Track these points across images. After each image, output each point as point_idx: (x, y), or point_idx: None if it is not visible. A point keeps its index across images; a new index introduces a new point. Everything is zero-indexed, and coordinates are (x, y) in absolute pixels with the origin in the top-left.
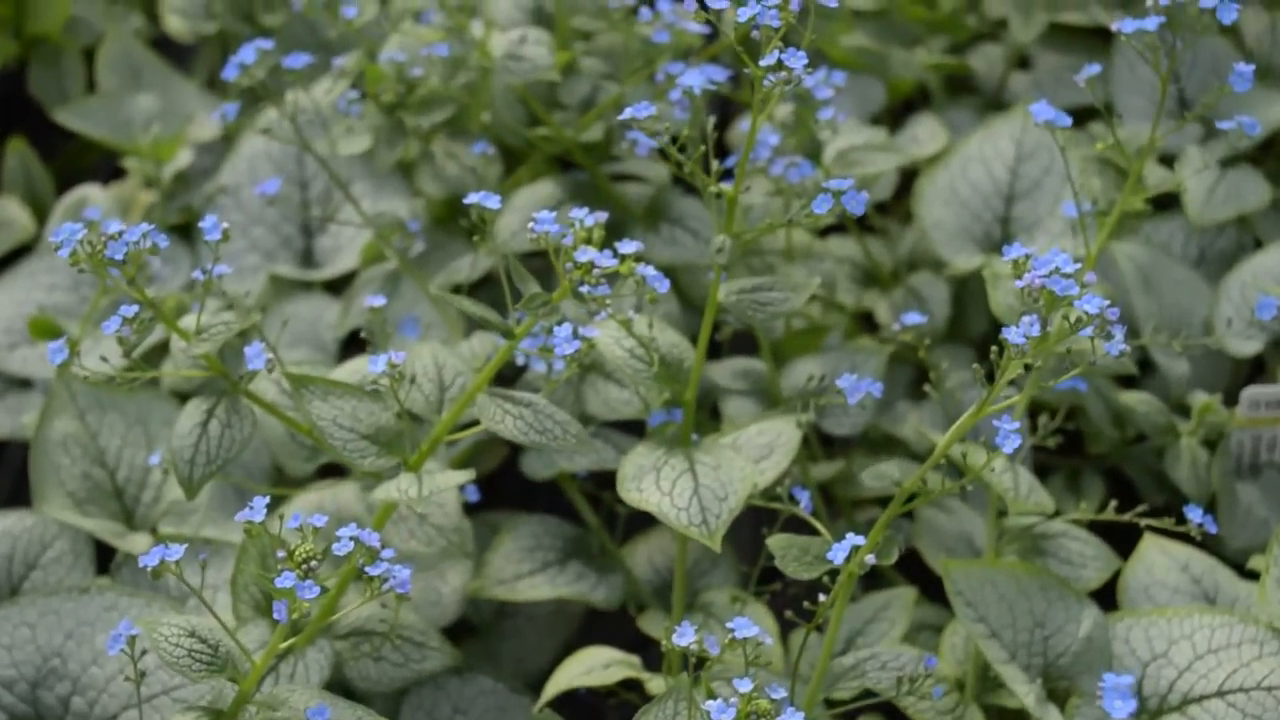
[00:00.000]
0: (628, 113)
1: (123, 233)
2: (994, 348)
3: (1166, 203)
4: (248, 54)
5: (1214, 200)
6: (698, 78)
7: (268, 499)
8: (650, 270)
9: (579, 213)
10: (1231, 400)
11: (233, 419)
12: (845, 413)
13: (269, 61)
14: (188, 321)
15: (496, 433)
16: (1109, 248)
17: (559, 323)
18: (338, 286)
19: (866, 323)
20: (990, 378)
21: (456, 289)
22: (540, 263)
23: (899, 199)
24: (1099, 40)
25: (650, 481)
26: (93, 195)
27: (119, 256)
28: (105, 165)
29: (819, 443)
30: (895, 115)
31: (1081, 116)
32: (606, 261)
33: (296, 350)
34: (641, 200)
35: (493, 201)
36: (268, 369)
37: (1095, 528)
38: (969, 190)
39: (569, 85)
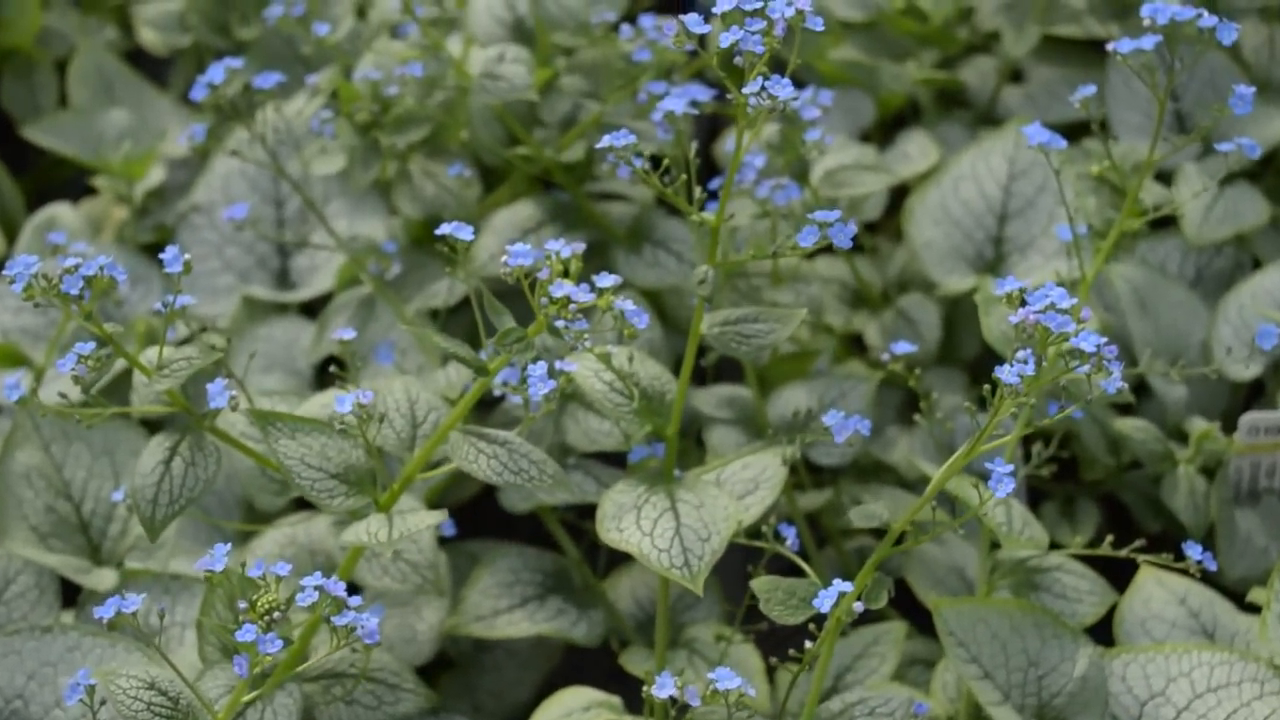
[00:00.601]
0: (605, 140)
1: (79, 266)
2: (986, 386)
3: (1163, 220)
4: (216, 73)
5: (1211, 219)
6: (679, 102)
7: (229, 545)
8: (629, 305)
9: (555, 244)
10: (1230, 425)
11: (197, 457)
12: (833, 443)
13: (240, 80)
14: (152, 354)
15: (469, 473)
16: (1105, 268)
17: (534, 359)
18: (314, 308)
19: (856, 345)
20: (982, 404)
21: (434, 314)
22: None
23: (889, 216)
24: (1093, 53)
25: (630, 521)
26: (62, 215)
27: (74, 291)
28: (80, 179)
29: (806, 470)
30: (885, 130)
31: (1076, 131)
32: (583, 296)
33: (270, 376)
34: (624, 221)
35: (465, 232)
36: (231, 406)
37: (1091, 557)
38: (961, 209)
39: (549, 103)
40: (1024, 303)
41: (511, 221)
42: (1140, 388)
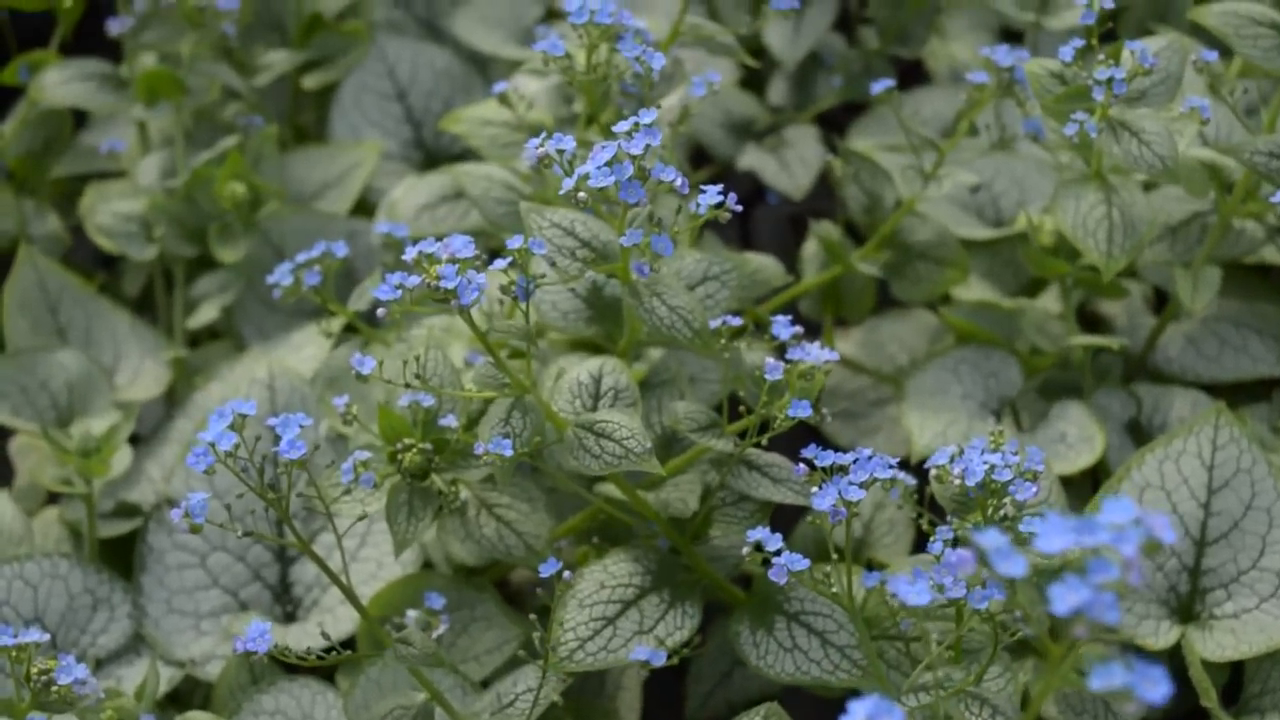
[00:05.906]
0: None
1: None
2: None
3: None
4: (218, 432)
5: None
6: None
7: None
8: None
9: None
10: None
11: None
12: None
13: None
14: None
15: None
16: None
17: None
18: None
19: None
20: None
21: None
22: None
23: None
24: (1265, 280)
25: None
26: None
27: None
28: None
29: None
30: None
31: (1257, 391)
32: None
33: None
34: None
35: None
36: None
37: None
38: None
39: (643, 411)
40: None
41: (602, 587)
42: None
